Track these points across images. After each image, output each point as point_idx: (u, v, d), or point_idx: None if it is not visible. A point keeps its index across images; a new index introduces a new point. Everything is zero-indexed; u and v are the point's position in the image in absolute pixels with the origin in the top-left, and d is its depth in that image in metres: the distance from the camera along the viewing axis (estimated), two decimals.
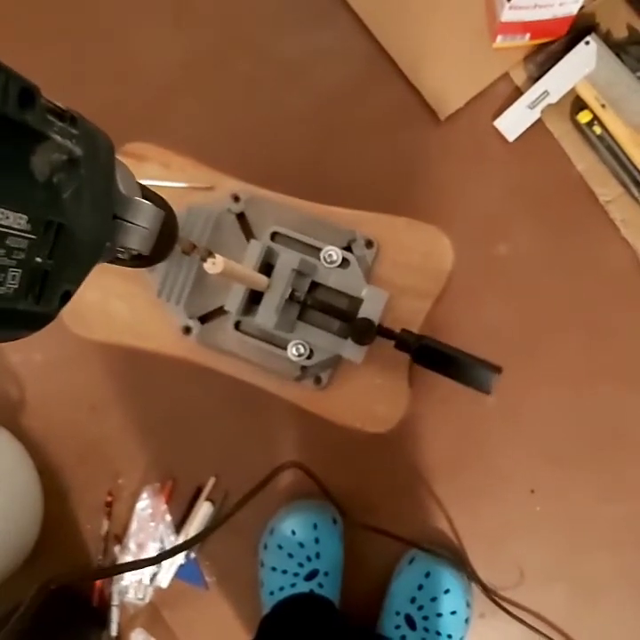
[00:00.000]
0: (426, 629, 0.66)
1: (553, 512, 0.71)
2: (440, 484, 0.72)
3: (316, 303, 0.50)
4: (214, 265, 0.38)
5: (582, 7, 0.66)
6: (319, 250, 0.52)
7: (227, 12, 0.77)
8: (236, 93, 0.76)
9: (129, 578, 0.77)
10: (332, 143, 0.74)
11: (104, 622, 0.76)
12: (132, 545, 0.78)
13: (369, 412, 0.53)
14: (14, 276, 0.23)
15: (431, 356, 0.46)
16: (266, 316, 0.49)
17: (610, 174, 0.70)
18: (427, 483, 0.72)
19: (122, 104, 0.76)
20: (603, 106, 0.69)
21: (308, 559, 0.69)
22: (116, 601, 0.77)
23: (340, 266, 0.51)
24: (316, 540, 0.69)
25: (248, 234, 0.53)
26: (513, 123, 0.71)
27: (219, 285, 0.50)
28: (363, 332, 0.47)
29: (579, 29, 0.69)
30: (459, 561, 0.71)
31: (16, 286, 0.23)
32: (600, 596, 0.71)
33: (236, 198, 0.55)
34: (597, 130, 0.69)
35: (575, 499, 0.71)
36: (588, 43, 0.69)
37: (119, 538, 0.78)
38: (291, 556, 0.69)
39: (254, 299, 0.50)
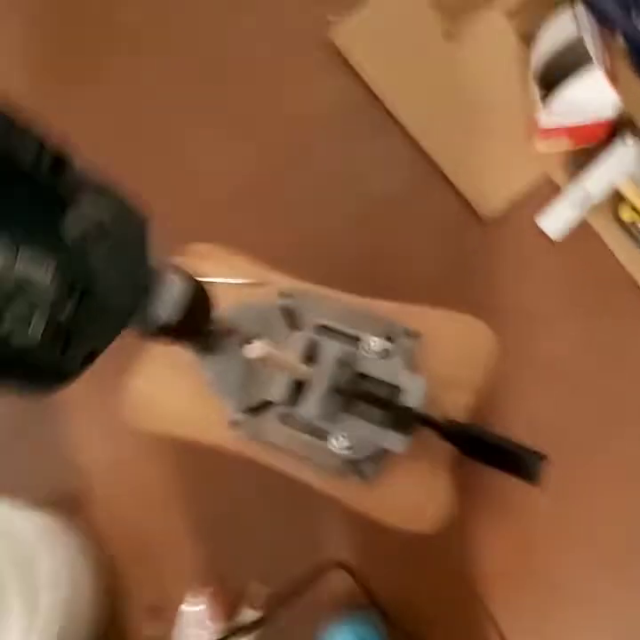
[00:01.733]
0: None
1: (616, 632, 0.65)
2: (494, 599, 0.67)
3: (357, 393, 0.50)
4: (253, 349, 0.39)
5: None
6: (361, 340, 0.52)
7: (289, 125, 0.83)
8: (298, 201, 0.81)
9: None
10: (381, 246, 0.77)
11: None
12: None
13: (413, 510, 0.52)
14: (38, 328, 0.24)
15: (480, 448, 0.45)
16: (309, 405, 0.50)
17: None
18: (479, 595, 0.68)
19: (175, 218, 0.82)
20: None
21: None
22: None
23: (381, 356, 0.52)
24: None
25: (293, 327, 0.55)
26: (557, 223, 0.72)
27: (266, 379, 0.51)
28: (402, 419, 0.46)
29: (619, 129, 0.72)
30: None
31: (39, 339, 0.24)
32: None
33: (284, 294, 0.57)
34: None
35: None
36: (626, 143, 0.71)
37: None
38: None
39: (298, 389, 0.51)
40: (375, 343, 0.52)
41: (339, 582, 0.70)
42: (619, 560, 0.66)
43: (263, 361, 0.40)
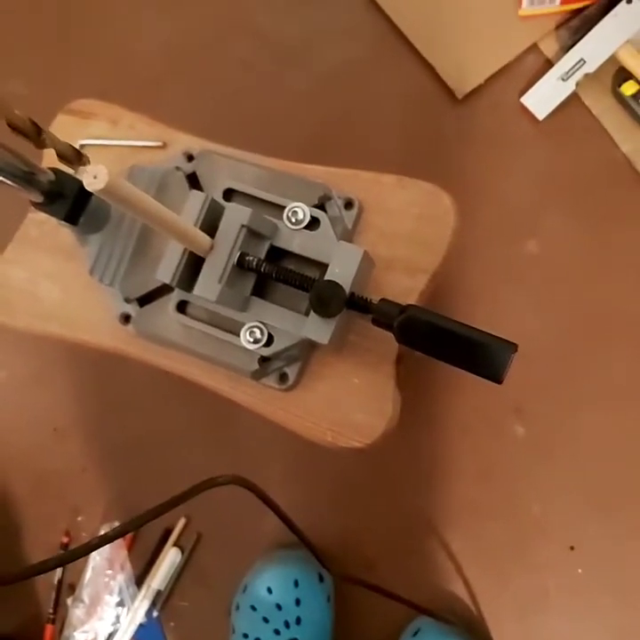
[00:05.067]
0: None
1: (599, 576, 0.55)
2: (454, 534, 0.58)
3: (273, 271, 0.38)
4: (95, 178, 0.27)
5: None
6: (283, 209, 0.41)
7: None
8: (230, 76, 0.68)
9: (81, 637, 0.64)
10: (332, 127, 0.65)
11: None
12: (85, 597, 0.65)
13: (344, 421, 0.41)
14: None
15: (421, 332, 0.34)
16: (207, 284, 0.38)
17: None
18: (437, 530, 0.58)
19: (106, 92, 0.70)
20: None
21: (287, 625, 0.55)
22: None
23: (308, 228, 0.40)
24: (297, 602, 0.55)
25: None
26: (543, 98, 0.60)
27: (158, 258, 0.39)
28: (326, 299, 0.35)
29: None
30: (477, 635, 0.55)
31: None
32: None
33: (190, 157, 0.45)
34: None
35: (629, 559, 0.55)
36: (629, 1, 0.58)
37: (74, 587, 0.66)
38: (266, 620, 0.55)
39: (196, 268, 0.39)
40: (300, 211, 0.40)
41: (271, 523, 0.60)
42: (606, 499, 0.56)
43: (116, 200, 0.28)
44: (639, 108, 0.57)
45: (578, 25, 0.60)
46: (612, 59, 0.59)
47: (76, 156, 0.27)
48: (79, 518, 0.67)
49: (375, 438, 0.40)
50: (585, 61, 0.59)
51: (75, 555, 0.27)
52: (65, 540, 0.66)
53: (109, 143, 0.47)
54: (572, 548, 0.56)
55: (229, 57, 0.68)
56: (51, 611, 0.65)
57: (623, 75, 0.58)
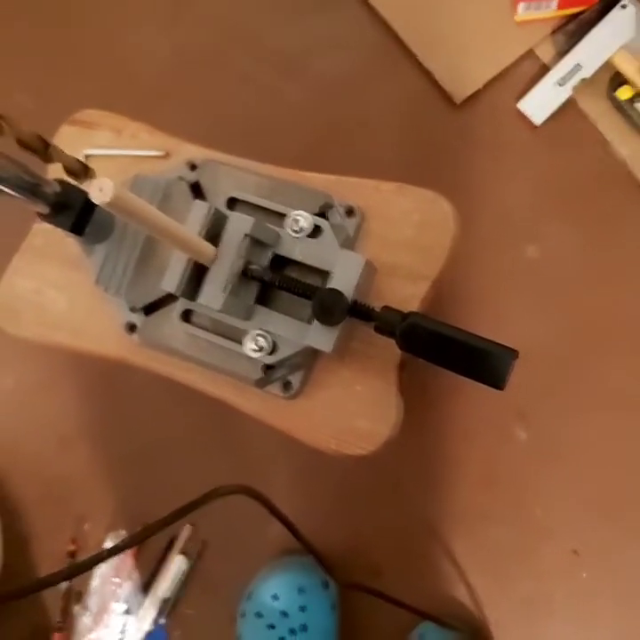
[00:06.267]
0: None
1: (604, 581, 0.55)
2: (458, 539, 0.58)
3: (276, 279, 0.39)
4: (96, 189, 0.28)
5: None
6: (286, 217, 0.41)
7: (219, 3, 0.71)
8: (231, 87, 0.69)
9: None
10: (332, 135, 0.65)
11: None
12: (92, 605, 0.65)
13: (347, 429, 0.41)
14: None
15: (423, 339, 0.34)
16: (211, 293, 0.38)
17: None
18: (441, 536, 0.58)
19: (109, 104, 0.70)
20: None
21: (292, 632, 0.55)
22: None
23: (310, 236, 0.41)
24: (303, 609, 0.55)
25: None
26: (540, 103, 0.60)
27: (162, 268, 0.40)
28: (329, 307, 0.35)
29: None
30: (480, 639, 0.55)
31: None
32: None
33: (193, 166, 0.45)
34: None
35: (633, 563, 0.55)
36: (624, 6, 0.58)
37: (81, 595, 0.66)
38: (271, 627, 0.55)
39: (200, 277, 0.39)
40: (302, 219, 0.41)
41: (277, 530, 0.61)
42: (609, 503, 0.56)
43: (119, 211, 0.29)
44: (635, 112, 0.58)
45: (574, 30, 0.60)
46: (608, 64, 0.59)
47: (82, 170, 0.27)
48: (85, 526, 0.67)
49: (379, 445, 0.40)
50: (581, 66, 0.59)
51: (83, 567, 0.28)
52: (71, 548, 0.66)
53: (113, 153, 0.47)
54: (576, 552, 0.56)
55: (230, 68, 0.69)
56: (59, 619, 0.65)
57: (619, 79, 0.59)
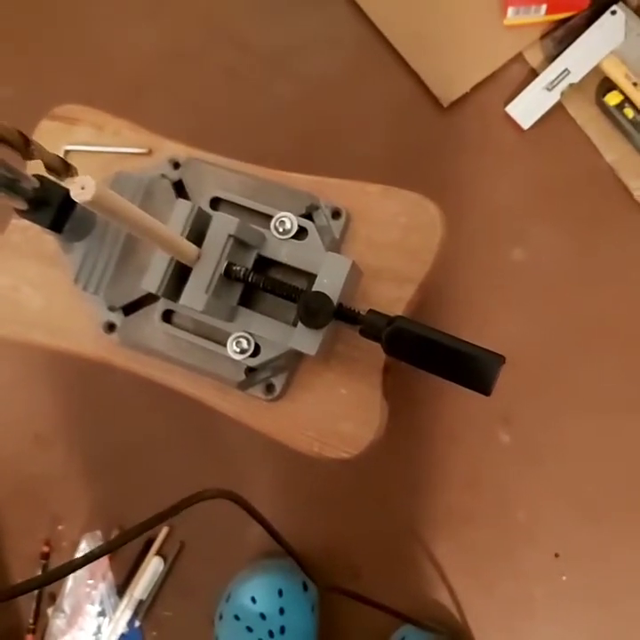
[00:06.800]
0: None
1: (584, 583, 0.56)
2: (440, 541, 0.58)
3: (261, 281, 0.38)
4: (83, 189, 0.27)
5: None
6: (271, 218, 0.40)
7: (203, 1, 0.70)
8: (215, 84, 0.68)
9: None
10: (318, 135, 0.64)
11: None
12: (66, 607, 0.64)
13: (331, 432, 0.40)
14: None
15: (409, 344, 0.34)
16: (193, 294, 0.38)
17: None
18: (423, 538, 0.58)
19: (91, 99, 0.69)
20: (635, 84, 0.58)
21: (271, 634, 0.54)
22: None
23: (295, 237, 0.40)
24: (281, 611, 0.55)
25: None
26: (528, 108, 0.60)
27: (143, 267, 0.39)
28: (314, 310, 0.35)
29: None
30: None
31: None
32: None
33: (176, 165, 0.44)
34: (629, 113, 0.58)
35: (613, 567, 0.55)
36: (614, 12, 0.59)
37: (54, 597, 0.65)
38: (249, 629, 0.55)
39: (182, 277, 0.38)
40: (288, 220, 0.40)
41: (256, 532, 0.60)
42: (591, 507, 0.56)
43: (103, 211, 0.28)
44: (623, 117, 0.58)
45: (563, 35, 0.60)
46: (597, 69, 0.59)
47: (63, 168, 0.26)
48: (60, 527, 0.66)
49: (362, 449, 0.40)
50: (569, 71, 0.59)
51: (56, 575, 0.27)
52: (45, 549, 0.65)
53: (94, 149, 0.46)
54: (557, 555, 0.56)
55: (214, 65, 0.68)
56: (31, 621, 0.64)
57: (607, 85, 0.59)
